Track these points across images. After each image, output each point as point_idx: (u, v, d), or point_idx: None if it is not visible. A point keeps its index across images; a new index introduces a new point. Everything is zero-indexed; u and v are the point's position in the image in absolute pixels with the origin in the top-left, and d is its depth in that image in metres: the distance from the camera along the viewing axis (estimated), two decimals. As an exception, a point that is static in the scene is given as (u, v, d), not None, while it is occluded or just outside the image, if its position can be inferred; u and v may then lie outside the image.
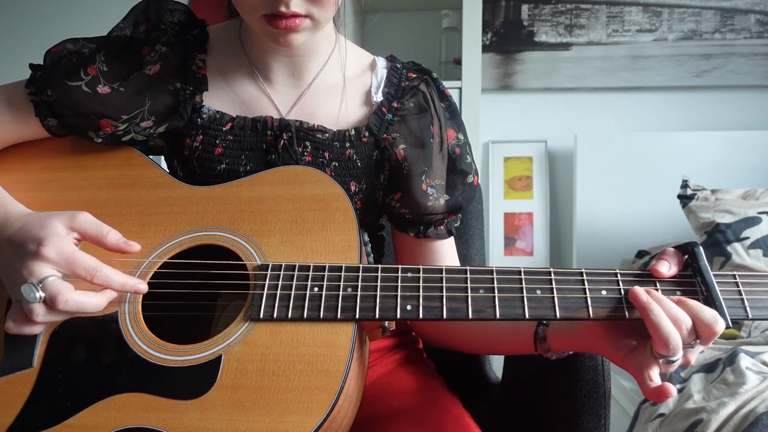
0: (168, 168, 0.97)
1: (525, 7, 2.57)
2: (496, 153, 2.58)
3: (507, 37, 2.59)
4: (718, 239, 1.88)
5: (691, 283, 0.72)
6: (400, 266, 0.75)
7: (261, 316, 0.72)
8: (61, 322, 0.76)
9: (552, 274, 0.73)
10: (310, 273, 0.75)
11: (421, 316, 0.72)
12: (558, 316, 0.71)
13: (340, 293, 0.73)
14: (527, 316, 0.71)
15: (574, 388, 0.90)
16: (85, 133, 0.88)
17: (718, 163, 2.39)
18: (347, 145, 0.91)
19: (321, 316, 0.72)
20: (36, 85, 0.87)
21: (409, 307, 0.72)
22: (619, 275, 0.73)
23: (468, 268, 0.75)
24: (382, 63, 0.98)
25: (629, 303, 0.71)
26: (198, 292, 0.78)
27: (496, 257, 2.54)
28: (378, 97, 0.94)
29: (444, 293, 0.73)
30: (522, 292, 0.72)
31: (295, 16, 0.78)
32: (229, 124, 0.90)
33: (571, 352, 0.85)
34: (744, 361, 1.38)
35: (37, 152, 0.91)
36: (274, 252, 0.78)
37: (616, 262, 2.27)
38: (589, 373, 0.89)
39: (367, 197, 0.94)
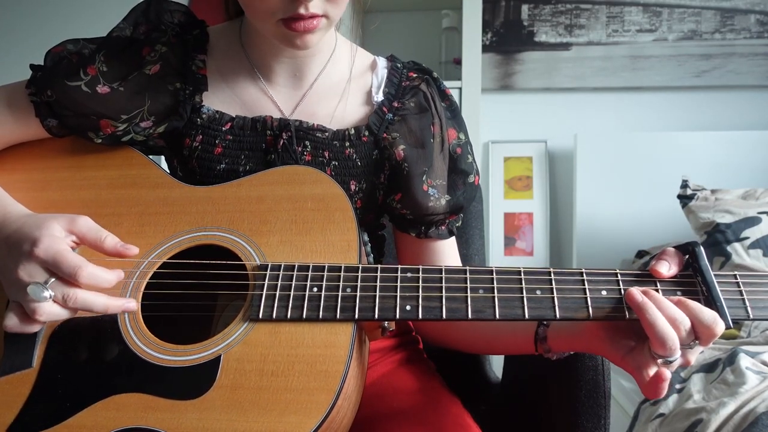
0: (168, 168, 0.97)
1: (525, 7, 2.57)
2: (496, 153, 2.58)
3: (507, 37, 2.59)
4: (717, 239, 1.88)
5: (691, 283, 0.72)
6: (399, 266, 0.75)
7: (260, 316, 0.72)
8: (61, 322, 0.76)
9: (552, 274, 0.73)
10: (310, 273, 0.75)
11: (420, 316, 0.72)
12: (558, 316, 0.71)
13: (340, 293, 0.73)
14: (527, 316, 0.71)
15: (574, 388, 0.90)
16: (85, 133, 0.88)
17: (718, 163, 2.39)
18: (347, 144, 0.91)
19: (320, 317, 0.72)
20: (36, 86, 0.87)
21: (408, 307, 0.72)
22: (619, 275, 0.73)
23: (467, 268, 0.75)
24: (382, 63, 0.98)
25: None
26: (197, 292, 0.78)
27: (496, 257, 2.54)
28: (379, 97, 0.94)
29: (443, 293, 0.73)
30: (522, 293, 0.72)
31: (313, 16, 0.78)
32: (229, 124, 0.90)
33: (571, 352, 0.85)
34: (744, 361, 1.37)
35: (37, 152, 0.91)
36: (273, 252, 0.78)
37: (616, 262, 2.27)
38: (589, 373, 0.89)
39: (367, 197, 0.94)
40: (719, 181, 2.24)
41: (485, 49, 2.54)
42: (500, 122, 2.61)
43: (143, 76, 0.88)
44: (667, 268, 0.72)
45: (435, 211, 0.93)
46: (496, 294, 0.72)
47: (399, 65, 0.98)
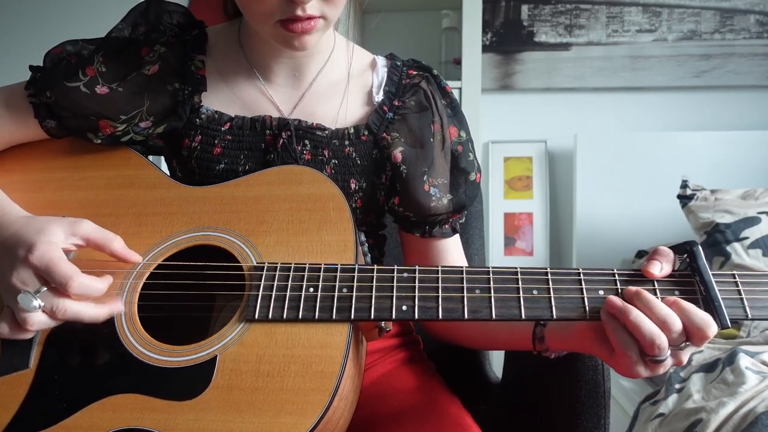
0: (167, 168, 0.98)
1: (525, 7, 2.57)
2: (496, 153, 2.58)
3: (507, 37, 2.58)
4: (717, 239, 1.88)
5: (689, 282, 0.72)
6: (395, 267, 0.75)
7: (256, 316, 0.72)
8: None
9: (549, 274, 0.73)
10: (306, 273, 0.75)
11: (416, 316, 0.71)
12: (554, 316, 0.71)
13: (336, 294, 0.73)
14: (523, 316, 0.71)
15: (574, 388, 0.90)
16: (84, 134, 0.88)
17: (718, 163, 2.39)
18: (346, 143, 0.91)
19: (316, 317, 0.72)
20: (35, 87, 0.87)
21: (404, 308, 0.72)
22: (616, 275, 0.73)
23: (464, 268, 0.74)
24: (382, 62, 0.98)
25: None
26: (194, 293, 0.78)
27: (496, 257, 2.53)
28: (379, 96, 0.94)
29: (440, 293, 0.73)
30: (518, 292, 0.72)
31: (310, 18, 0.78)
32: (228, 124, 0.90)
33: (568, 351, 0.85)
34: (743, 361, 1.37)
35: (35, 153, 0.91)
36: (269, 252, 0.78)
37: (616, 262, 2.27)
38: (589, 373, 0.89)
39: (368, 196, 0.94)
40: (719, 181, 2.24)
41: (485, 49, 2.54)
42: (500, 122, 2.61)
43: (142, 77, 0.88)
44: (659, 269, 0.72)
45: (438, 211, 0.93)
46: (492, 294, 0.72)
47: (398, 63, 0.98)
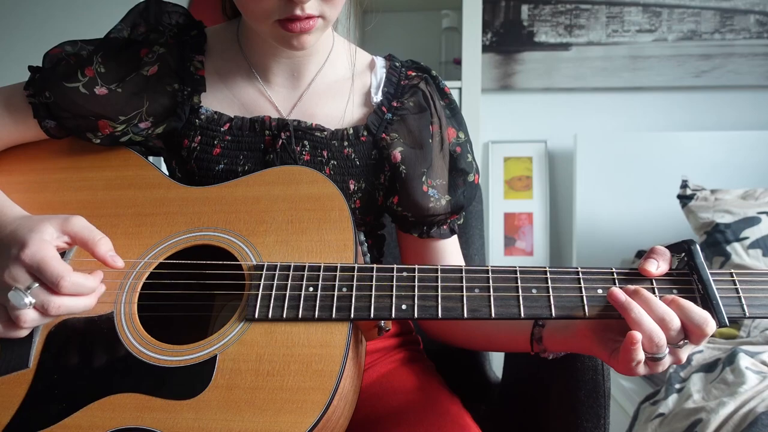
0: (167, 169, 0.98)
1: (525, 8, 2.57)
2: (496, 153, 2.58)
3: (507, 37, 2.59)
4: (717, 239, 1.88)
5: (688, 281, 0.72)
6: (395, 266, 0.75)
7: (256, 316, 0.72)
8: (58, 322, 0.76)
9: (548, 273, 0.73)
10: (305, 273, 0.75)
11: (416, 315, 0.71)
12: (554, 315, 0.71)
13: (335, 293, 0.73)
14: (522, 315, 0.71)
15: (574, 388, 0.90)
16: (83, 134, 0.88)
17: (718, 163, 2.39)
18: (345, 144, 0.91)
19: (316, 316, 0.72)
20: (35, 87, 0.87)
21: (404, 307, 0.72)
22: (615, 274, 0.73)
23: (463, 267, 0.75)
24: (380, 62, 0.98)
25: None
26: (194, 292, 0.78)
27: (496, 257, 2.54)
28: (378, 97, 0.94)
29: (439, 292, 0.73)
30: (517, 291, 0.72)
31: (309, 17, 0.78)
32: (227, 125, 0.90)
33: (566, 352, 0.85)
34: (743, 361, 1.37)
35: (34, 153, 0.91)
36: (269, 252, 0.78)
37: (616, 262, 2.27)
38: (589, 373, 0.89)
39: (367, 197, 0.94)
40: (719, 181, 2.25)
41: (485, 49, 2.55)
42: (500, 122, 2.61)
43: (141, 78, 0.88)
44: (656, 267, 0.72)
45: (436, 212, 0.93)
46: (491, 293, 0.72)
47: (397, 64, 0.98)
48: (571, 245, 2.52)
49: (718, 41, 2.51)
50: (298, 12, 0.76)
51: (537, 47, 2.58)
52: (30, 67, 0.89)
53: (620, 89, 2.57)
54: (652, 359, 0.68)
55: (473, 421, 0.88)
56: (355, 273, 0.74)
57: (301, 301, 0.73)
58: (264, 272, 0.75)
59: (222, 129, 0.90)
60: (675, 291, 0.71)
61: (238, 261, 0.78)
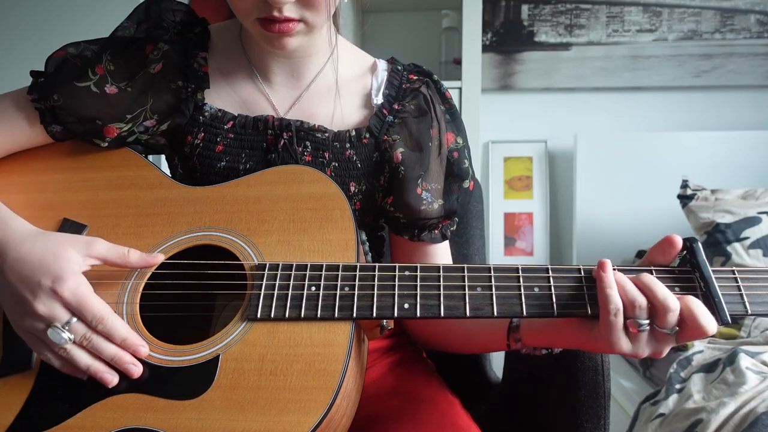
0: (168, 165, 0.98)
1: (525, 7, 2.57)
2: (496, 153, 2.58)
3: (507, 37, 2.59)
4: (718, 239, 1.88)
5: (689, 279, 0.72)
6: (397, 265, 0.75)
7: (258, 315, 0.72)
8: None
9: (550, 272, 0.73)
10: (308, 272, 0.75)
11: (418, 314, 0.71)
12: (556, 313, 0.71)
13: (338, 292, 0.73)
14: (525, 313, 0.71)
15: (574, 388, 0.90)
16: (90, 139, 0.88)
17: (718, 163, 2.39)
18: (347, 145, 0.91)
19: (318, 316, 0.72)
20: (40, 92, 0.87)
21: (406, 306, 0.72)
22: (617, 272, 0.73)
23: (465, 266, 0.75)
24: (382, 65, 0.98)
25: None
26: (196, 292, 0.78)
27: (496, 257, 2.54)
28: (378, 100, 0.94)
29: (441, 291, 0.73)
30: (520, 290, 0.72)
31: (288, 20, 0.78)
32: (231, 123, 0.90)
33: (545, 351, 0.85)
34: (744, 361, 1.37)
35: (35, 154, 0.91)
36: (271, 252, 0.78)
37: (616, 262, 2.23)
38: (589, 373, 0.89)
39: (367, 199, 0.94)
40: (719, 181, 2.25)
41: (485, 49, 2.55)
42: (500, 122, 2.61)
43: (148, 76, 0.88)
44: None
45: (428, 215, 0.93)
46: (494, 291, 0.72)
47: (399, 67, 0.98)
48: (571, 245, 2.52)
49: (718, 41, 2.51)
50: (275, 13, 0.77)
51: (537, 47, 2.58)
52: (32, 72, 0.88)
53: (620, 89, 2.57)
54: (634, 324, 0.68)
55: (473, 421, 0.88)
56: (357, 272, 0.74)
57: (304, 301, 0.73)
58: (266, 272, 0.75)
59: (225, 127, 0.90)
60: (677, 289, 0.71)
61: (240, 261, 0.78)
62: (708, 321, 0.67)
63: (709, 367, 1.45)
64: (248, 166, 0.90)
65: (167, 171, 0.93)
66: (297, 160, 0.89)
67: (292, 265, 0.76)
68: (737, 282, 0.71)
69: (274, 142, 0.90)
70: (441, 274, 0.74)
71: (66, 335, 0.70)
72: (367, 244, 0.84)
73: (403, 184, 0.91)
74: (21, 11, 2.62)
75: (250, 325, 0.73)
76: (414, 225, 0.94)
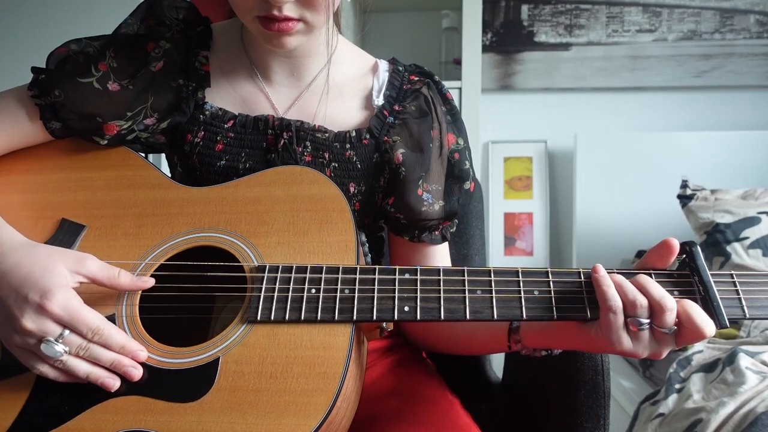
0: (168, 164, 0.98)
1: (525, 8, 2.57)
2: (496, 153, 2.58)
3: (507, 37, 2.59)
4: (717, 239, 1.88)
5: (688, 282, 0.72)
6: (397, 267, 0.75)
7: (258, 317, 0.72)
8: None
9: (549, 275, 0.73)
10: (307, 275, 0.75)
11: (418, 317, 0.71)
12: (555, 316, 0.71)
13: (338, 295, 0.73)
14: (525, 316, 0.71)
15: (573, 388, 0.90)
16: (89, 137, 0.88)
17: (718, 163, 2.39)
18: (347, 146, 0.91)
19: (318, 318, 0.72)
20: (41, 88, 0.86)
21: (406, 308, 0.72)
22: (615, 273, 0.73)
23: (465, 269, 0.74)
24: (384, 66, 0.98)
25: None
26: (195, 294, 0.78)
27: (496, 257, 2.54)
28: (379, 100, 0.93)
29: (441, 294, 0.73)
30: (519, 293, 0.72)
31: (288, 19, 0.78)
32: (231, 122, 0.90)
33: (545, 353, 0.85)
34: (743, 361, 1.38)
35: (33, 153, 0.91)
36: (271, 253, 0.78)
37: (616, 262, 2.27)
38: (589, 373, 0.89)
39: (366, 199, 0.94)
40: (719, 181, 2.25)
41: (485, 49, 2.55)
42: (500, 122, 2.61)
43: (149, 74, 0.88)
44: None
45: (428, 216, 0.93)
46: (494, 294, 0.72)
47: (401, 68, 0.97)
48: (571, 245, 2.52)
49: (718, 41, 2.51)
50: (275, 12, 0.77)
51: (537, 47, 2.58)
52: (33, 68, 0.88)
53: (620, 89, 2.57)
54: (635, 323, 0.68)
55: (473, 421, 0.88)
56: (357, 275, 0.74)
57: (304, 303, 0.73)
58: (266, 274, 0.75)
59: (225, 126, 0.90)
60: (676, 292, 0.71)
61: (240, 262, 0.78)
62: (705, 323, 0.67)
63: (708, 367, 1.45)
64: (248, 165, 0.90)
65: (167, 171, 0.93)
66: (297, 161, 0.89)
67: (292, 267, 0.76)
68: (736, 286, 0.71)
69: (274, 142, 0.90)
70: (441, 277, 0.74)
71: (60, 348, 0.69)
72: (367, 245, 0.84)
73: (404, 185, 0.91)
74: (21, 11, 2.62)
75: (250, 327, 0.73)
76: (414, 226, 0.94)
